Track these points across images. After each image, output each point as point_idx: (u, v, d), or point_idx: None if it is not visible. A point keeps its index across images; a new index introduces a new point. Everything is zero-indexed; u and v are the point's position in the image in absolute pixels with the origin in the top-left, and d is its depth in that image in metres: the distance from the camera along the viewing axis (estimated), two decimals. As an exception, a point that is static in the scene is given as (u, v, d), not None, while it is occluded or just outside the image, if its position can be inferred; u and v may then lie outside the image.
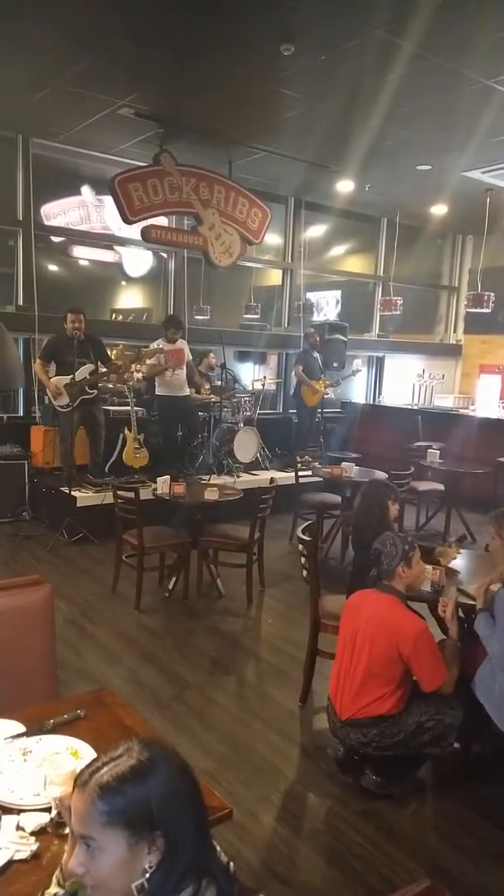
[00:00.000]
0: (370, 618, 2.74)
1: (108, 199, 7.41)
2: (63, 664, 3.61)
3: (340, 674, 2.84)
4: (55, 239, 8.56)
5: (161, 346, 6.75)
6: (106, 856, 1.08)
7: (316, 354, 8.46)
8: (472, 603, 2.83)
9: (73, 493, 6.13)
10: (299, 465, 6.45)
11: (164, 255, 8.71)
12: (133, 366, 7.00)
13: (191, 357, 7.15)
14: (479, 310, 8.63)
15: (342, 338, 8.78)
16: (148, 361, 6.74)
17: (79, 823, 1.10)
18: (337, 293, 10.98)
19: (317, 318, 9.72)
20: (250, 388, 8.50)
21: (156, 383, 6.93)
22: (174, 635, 4.37)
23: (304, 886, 2.36)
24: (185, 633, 4.42)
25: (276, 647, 4.29)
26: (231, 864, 1.22)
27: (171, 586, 5.00)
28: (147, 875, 1.08)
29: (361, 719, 2.71)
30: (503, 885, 2.41)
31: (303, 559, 3.56)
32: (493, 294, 8.53)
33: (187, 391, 7.00)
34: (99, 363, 6.41)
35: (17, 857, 1.38)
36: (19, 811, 1.50)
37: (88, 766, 1.14)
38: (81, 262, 9.63)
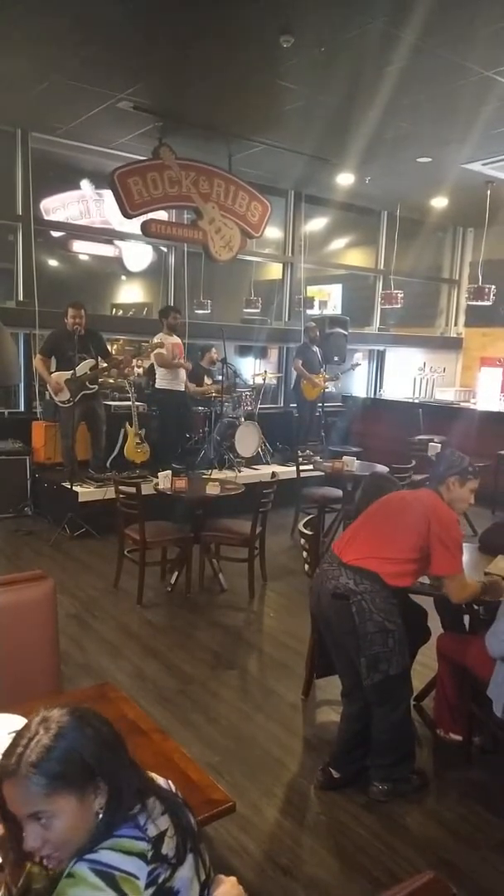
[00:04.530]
0: (406, 496, 2.84)
1: (108, 194, 7.38)
2: (66, 659, 3.63)
3: (349, 532, 2.86)
4: (55, 234, 8.55)
5: (161, 340, 6.75)
6: (61, 818, 1.13)
7: (315, 348, 8.45)
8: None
9: (74, 488, 6.14)
10: (300, 459, 6.45)
11: (164, 249, 8.69)
12: (135, 360, 6.97)
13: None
14: (479, 303, 8.61)
15: (343, 332, 8.77)
16: (157, 350, 6.66)
17: (22, 807, 1.13)
18: (337, 287, 10.95)
19: (314, 312, 9.68)
20: (251, 383, 8.49)
21: (157, 376, 6.91)
22: (176, 630, 4.39)
23: (308, 878, 2.37)
24: (188, 627, 4.44)
25: (279, 640, 4.30)
26: (169, 781, 1.33)
27: (173, 581, 5.01)
28: (100, 816, 1.16)
29: (362, 569, 2.67)
30: (506, 875, 2.42)
31: (304, 553, 3.57)
32: (493, 287, 8.49)
33: (182, 387, 6.99)
34: (99, 358, 6.41)
35: None
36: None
37: (7, 754, 1.16)
38: (81, 257, 9.61)
